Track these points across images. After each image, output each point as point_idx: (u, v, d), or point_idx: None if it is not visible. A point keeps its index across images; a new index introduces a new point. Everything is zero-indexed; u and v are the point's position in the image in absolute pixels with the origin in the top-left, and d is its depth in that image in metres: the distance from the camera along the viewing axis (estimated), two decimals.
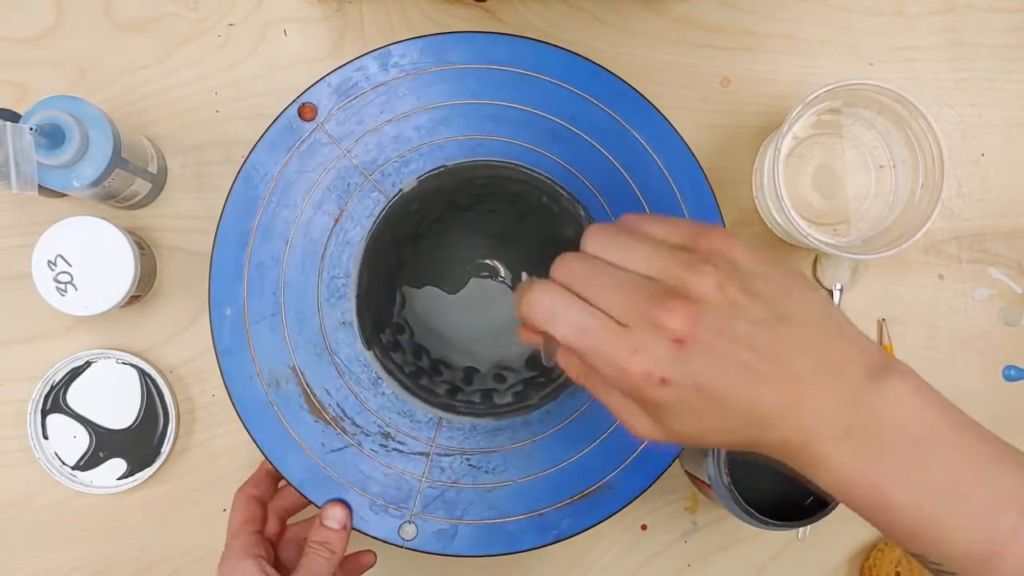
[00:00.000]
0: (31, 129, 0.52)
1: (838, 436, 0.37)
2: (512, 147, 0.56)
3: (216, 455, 0.64)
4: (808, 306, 0.39)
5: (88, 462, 0.63)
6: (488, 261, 0.62)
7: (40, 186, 0.53)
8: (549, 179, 0.55)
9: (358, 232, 0.55)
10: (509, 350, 0.60)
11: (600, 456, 0.55)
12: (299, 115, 0.54)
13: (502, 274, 0.62)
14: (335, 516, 0.53)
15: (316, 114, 0.54)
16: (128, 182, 0.59)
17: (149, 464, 0.63)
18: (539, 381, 0.57)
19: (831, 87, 0.58)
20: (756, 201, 0.66)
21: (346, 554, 0.56)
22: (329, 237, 0.55)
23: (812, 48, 0.67)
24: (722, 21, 0.66)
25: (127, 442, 0.63)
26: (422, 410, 0.55)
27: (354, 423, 0.55)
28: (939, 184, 0.59)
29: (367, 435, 0.55)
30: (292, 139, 0.54)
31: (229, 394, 0.54)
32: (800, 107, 0.59)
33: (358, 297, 0.55)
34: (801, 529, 0.65)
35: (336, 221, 0.55)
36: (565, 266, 0.40)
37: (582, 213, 0.56)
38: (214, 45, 0.65)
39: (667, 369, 0.36)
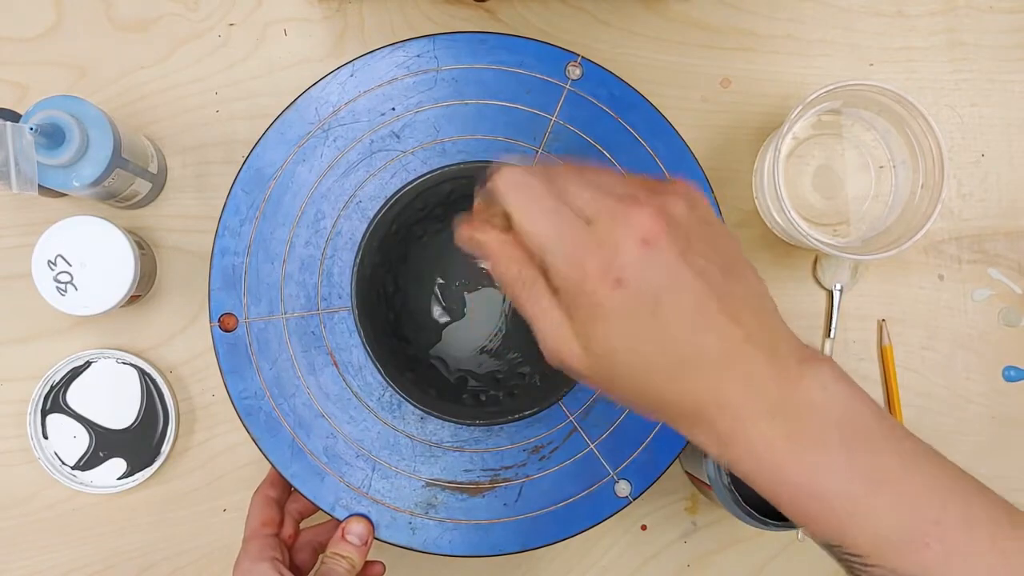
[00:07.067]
0: (31, 129, 0.52)
1: (767, 412, 0.36)
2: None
3: (216, 455, 0.64)
4: (755, 278, 0.38)
5: (88, 462, 0.63)
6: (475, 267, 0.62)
7: (40, 186, 0.53)
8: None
9: (356, 353, 0.55)
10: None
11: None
12: (225, 330, 0.54)
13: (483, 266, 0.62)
14: (358, 532, 0.53)
15: (236, 319, 0.54)
16: (128, 182, 0.59)
17: (149, 464, 0.63)
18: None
19: (831, 87, 0.58)
20: (756, 201, 0.66)
21: None
22: (343, 380, 0.55)
23: (812, 48, 0.67)
24: (722, 21, 0.66)
25: (127, 442, 0.63)
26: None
27: (499, 473, 0.55)
28: (939, 185, 0.59)
29: (507, 468, 0.55)
30: (240, 349, 0.54)
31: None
32: (800, 107, 0.58)
33: (411, 400, 0.55)
34: (801, 529, 0.65)
35: (334, 365, 0.55)
36: (536, 166, 0.38)
37: None
38: (214, 45, 0.65)
39: (627, 270, 0.35)
